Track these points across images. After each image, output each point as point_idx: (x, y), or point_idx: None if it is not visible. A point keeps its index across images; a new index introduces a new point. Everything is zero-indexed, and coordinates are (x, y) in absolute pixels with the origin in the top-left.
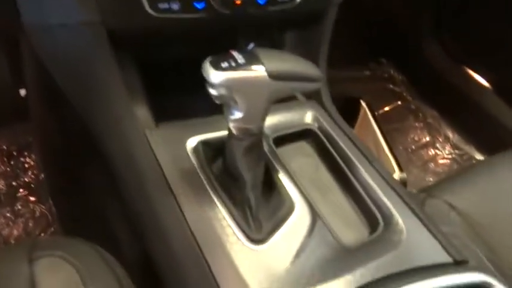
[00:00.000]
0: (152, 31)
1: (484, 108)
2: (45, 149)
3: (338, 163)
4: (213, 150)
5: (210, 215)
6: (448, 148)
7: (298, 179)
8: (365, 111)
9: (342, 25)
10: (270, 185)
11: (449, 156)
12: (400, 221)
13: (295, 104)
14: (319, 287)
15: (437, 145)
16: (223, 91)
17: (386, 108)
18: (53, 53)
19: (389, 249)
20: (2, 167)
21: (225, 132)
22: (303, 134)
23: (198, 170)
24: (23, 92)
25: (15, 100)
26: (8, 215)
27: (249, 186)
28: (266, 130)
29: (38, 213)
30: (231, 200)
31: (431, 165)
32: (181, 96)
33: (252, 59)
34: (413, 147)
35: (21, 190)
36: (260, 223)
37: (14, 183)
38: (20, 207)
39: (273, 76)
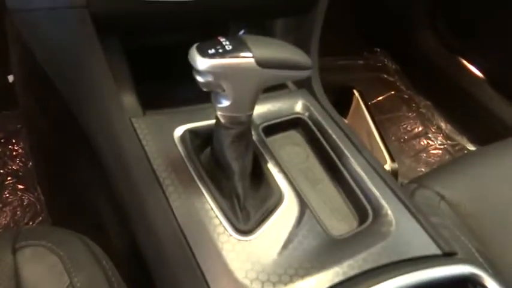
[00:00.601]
0: (138, 15)
1: (477, 98)
2: (33, 137)
3: (328, 153)
4: (200, 139)
5: (197, 206)
6: (440, 138)
7: (288, 169)
8: (358, 101)
9: (335, 14)
10: (258, 175)
11: (442, 147)
12: (390, 212)
13: (285, 93)
14: (307, 278)
15: (430, 135)
16: (210, 78)
17: (380, 98)
18: (37, 38)
19: (378, 241)
20: None
21: (213, 121)
22: (293, 123)
23: (186, 160)
24: (10, 78)
25: (3, 87)
26: None
27: (237, 176)
28: (255, 119)
29: (26, 202)
30: (218, 190)
31: (423, 155)
32: (169, 84)
33: (239, 46)
34: (405, 137)
35: (9, 178)
36: (248, 213)
37: (1, 171)
38: (7, 195)
39: (261, 63)
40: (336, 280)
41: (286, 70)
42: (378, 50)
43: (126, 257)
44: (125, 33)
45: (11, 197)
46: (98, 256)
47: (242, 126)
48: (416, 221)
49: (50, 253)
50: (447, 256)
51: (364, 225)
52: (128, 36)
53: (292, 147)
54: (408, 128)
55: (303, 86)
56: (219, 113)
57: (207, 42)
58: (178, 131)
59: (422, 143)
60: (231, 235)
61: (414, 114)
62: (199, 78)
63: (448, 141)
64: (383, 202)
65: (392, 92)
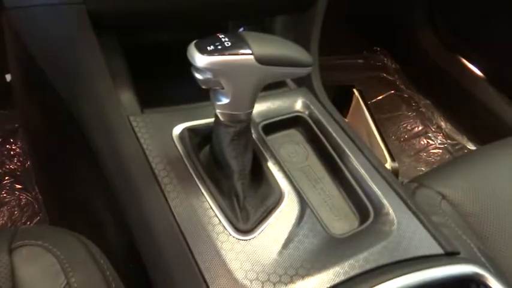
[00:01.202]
0: (135, 12)
1: (477, 97)
2: (31, 136)
3: (328, 151)
4: (199, 138)
5: (195, 205)
6: (440, 138)
7: (288, 168)
8: (358, 100)
9: (335, 13)
10: (258, 174)
11: (442, 146)
12: (391, 211)
13: (285, 91)
14: (307, 278)
15: (430, 134)
16: (209, 75)
17: (379, 97)
18: (34, 35)
19: (380, 240)
20: None
21: (212, 120)
22: (293, 122)
23: (184, 158)
24: (8, 77)
25: (0, 86)
26: None
27: (237, 174)
28: (255, 117)
29: (23, 202)
30: (217, 189)
31: (424, 154)
32: (167, 82)
33: (239, 43)
34: (405, 136)
35: (6, 178)
36: (248, 213)
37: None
38: (5, 194)
39: (261, 60)
40: (337, 280)
41: (286, 67)
42: (378, 49)
43: (124, 256)
44: (122, 30)
45: (8, 196)
46: (96, 255)
47: (241, 125)
48: (418, 220)
49: (47, 253)
50: (449, 256)
51: (365, 225)
52: (126, 34)
53: (292, 146)
54: (408, 127)
55: (303, 84)
56: (218, 111)
57: (206, 39)
58: (177, 130)
59: (422, 142)
60: (230, 234)
61: (414, 114)
62: (198, 76)
63: (448, 141)
64: (384, 201)
65: (392, 91)
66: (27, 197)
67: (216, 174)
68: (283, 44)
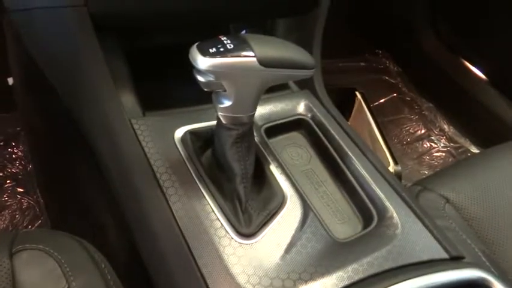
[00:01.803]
0: (137, 14)
1: (480, 101)
2: (32, 139)
3: (331, 154)
4: (201, 141)
5: (197, 208)
6: (443, 141)
7: (290, 171)
8: (360, 103)
9: (337, 15)
10: (260, 177)
11: (445, 149)
12: (395, 214)
13: (287, 94)
14: (310, 283)
15: (433, 138)
16: (211, 78)
17: (382, 100)
18: (36, 38)
19: (384, 244)
20: None
21: (214, 122)
22: (296, 125)
23: (186, 162)
24: (10, 80)
25: (2, 89)
26: None
27: (239, 178)
28: (257, 120)
29: (25, 205)
30: (220, 193)
31: (427, 158)
32: (169, 84)
33: (241, 45)
34: (408, 139)
35: (8, 181)
36: (250, 216)
37: (0, 174)
38: (6, 198)
39: (264, 62)
40: (341, 285)
41: (289, 69)
42: (380, 51)
43: (125, 260)
44: (123, 32)
45: (10, 200)
46: (97, 260)
47: (244, 127)
48: (423, 223)
49: (48, 257)
50: (454, 260)
51: (369, 228)
52: (127, 36)
53: (294, 149)
54: (411, 131)
55: (306, 87)
56: (220, 114)
57: (208, 41)
58: (179, 133)
59: (425, 145)
60: (232, 238)
61: (417, 117)
62: (200, 78)
63: (451, 144)
64: (388, 204)
65: (395, 94)
66: (29, 201)
67: (218, 178)
68: (285, 46)
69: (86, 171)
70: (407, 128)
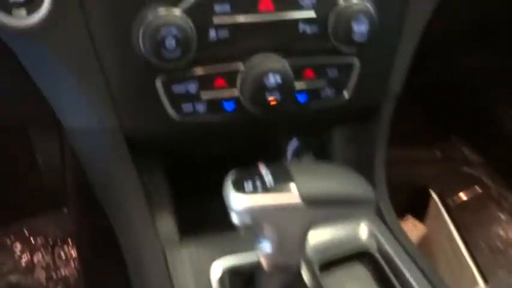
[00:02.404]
0: (175, 136)
1: None
2: (81, 241)
3: None
4: (241, 281)
5: None
6: None
7: None
8: (435, 203)
9: (402, 100)
10: None
11: None
12: None
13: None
14: None
15: None
16: (247, 219)
17: (462, 197)
18: (80, 154)
19: None
20: (44, 257)
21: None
22: (358, 254)
23: None
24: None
25: (62, 185)
26: None
27: None
28: (310, 252)
29: None
30: None
31: None
32: (210, 201)
33: (283, 180)
34: (499, 245)
35: (60, 283)
36: None
37: (54, 276)
38: None
39: (309, 202)
40: None
41: (340, 207)
42: (455, 138)
43: None
44: (161, 152)
45: None
46: None
47: (290, 273)
48: None
49: None
50: None
51: None
52: (165, 155)
53: (355, 285)
54: (501, 233)
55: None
56: (261, 259)
57: (245, 173)
58: (216, 270)
59: None
60: None
61: (507, 216)
62: (234, 218)
63: None
64: None
65: (477, 189)
66: None
67: None
68: (338, 177)
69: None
70: (496, 230)
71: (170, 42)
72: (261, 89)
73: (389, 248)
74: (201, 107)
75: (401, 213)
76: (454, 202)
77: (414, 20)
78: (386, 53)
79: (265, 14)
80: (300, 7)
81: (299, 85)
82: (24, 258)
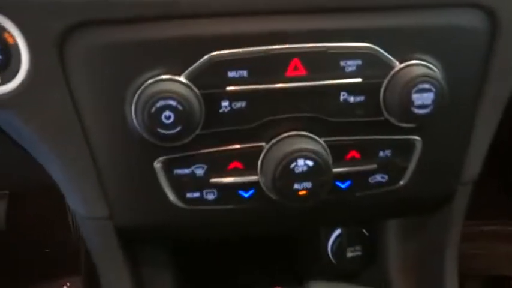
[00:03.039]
0: (178, 224)
1: None
2: None
3: None
4: None
5: None
6: None
7: None
8: None
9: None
10: None
11: None
12: None
13: None
14: None
15: None
16: None
17: None
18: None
19: None
20: None
21: None
22: None
23: None
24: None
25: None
26: None
27: None
28: None
29: None
30: None
31: None
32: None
33: None
34: None
35: None
36: None
37: None
38: None
39: None
40: None
41: None
42: None
43: None
44: (160, 242)
45: None
46: None
47: None
48: None
49: None
50: None
51: None
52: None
53: None
54: None
55: None
56: None
57: None
58: None
59: None
60: None
61: None
62: None
63: None
64: None
65: None
66: None
67: None
68: None
69: None
70: None
71: (167, 116)
72: (287, 177)
73: None
74: (210, 195)
75: None
76: None
77: (498, 85)
78: (460, 130)
79: (295, 81)
80: (341, 71)
81: (339, 169)
82: None
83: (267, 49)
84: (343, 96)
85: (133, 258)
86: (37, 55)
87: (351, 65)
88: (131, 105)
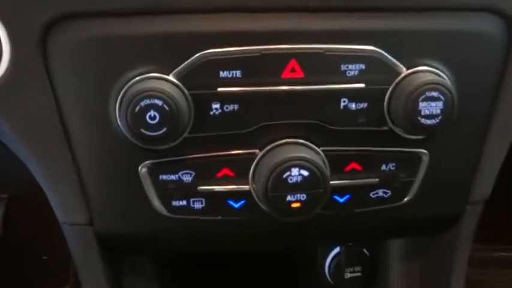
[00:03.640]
0: (164, 233)
1: None
2: None
3: None
4: None
5: None
6: None
7: None
8: None
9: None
10: None
11: None
12: None
13: None
14: None
15: None
16: None
17: None
18: None
19: None
20: None
21: None
22: None
23: None
24: None
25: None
26: None
27: None
28: None
29: None
30: None
31: None
32: None
33: None
34: None
35: None
36: None
37: None
38: None
39: None
40: None
41: None
42: None
43: None
44: (151, 251)
45: None
46: None
47: None
48: None
49: None
50: None
51: None
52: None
53: None
54: None
55: None
56: None
57: None
58: None
59: None
60: None
61: None
62: None
63: None
64: None
65: None
66: None
67: None
68: None
69: None
70: None
71: (152, 116)
72: (279, 187)
73: None
74: (197, 204)
75: None
76: None
77: None
78: (470, 144)
79: (292, 83)
80: (342, 75)
81: (338, 181)
82: None
83: (262, 49)
84: (343, 102)
85: (116, 268)
86: (18, 48)
87: (353, 69)
88: (115, 104)
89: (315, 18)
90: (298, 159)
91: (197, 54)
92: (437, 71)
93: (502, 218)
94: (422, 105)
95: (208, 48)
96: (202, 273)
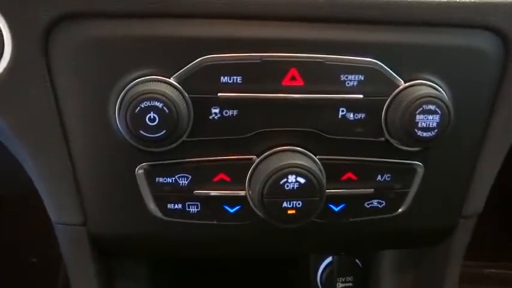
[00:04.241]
0: (158, 236)
1: None
2: None
3: None
4: None
5: None
6: None
7: None
8: None
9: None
10: None
11: None
12: None
13: None
14: None
15: None
16: None
17: None
18: None
19: None
20: None
21: None
22: None
23: None
24: None
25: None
26: None
27: None
28: None
29: None
30: None
31: None
32: None
33: None
34: None
35: None
36: None
37: None
38: None
39: None
40: None
41: None
42: None
43: None
44: (147, 255)
45: None
46: None
47: None
48: None
49: None
50: None
51: None
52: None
53: None
54: None
55: None
56: None
57: None
58: None
59: None
60: None
61: None
62: None
63: None
64: None
65: None
66: None
67: None
68: None
69: None
70: None
71: (151, 118)
72: (276, 193)
73: None
74: (193, 208)
75: None
76: None
77: (509, 112)
78: (465, 158)
79: (291, 91)
80: (342, 85)
81: (334, 190)
82: None
83: (263, 56)
84: (342, 112)
85: (108, 272)
86: (20, 46)
87: (352, 79)
88: (115, 105)
89: (317, 28)
90: (296, 166)
91: (199, 59)
92: (434, 85)
93: (493, 235)
94: (419, 117)
95: (210, 53)
96: (195, 279)
